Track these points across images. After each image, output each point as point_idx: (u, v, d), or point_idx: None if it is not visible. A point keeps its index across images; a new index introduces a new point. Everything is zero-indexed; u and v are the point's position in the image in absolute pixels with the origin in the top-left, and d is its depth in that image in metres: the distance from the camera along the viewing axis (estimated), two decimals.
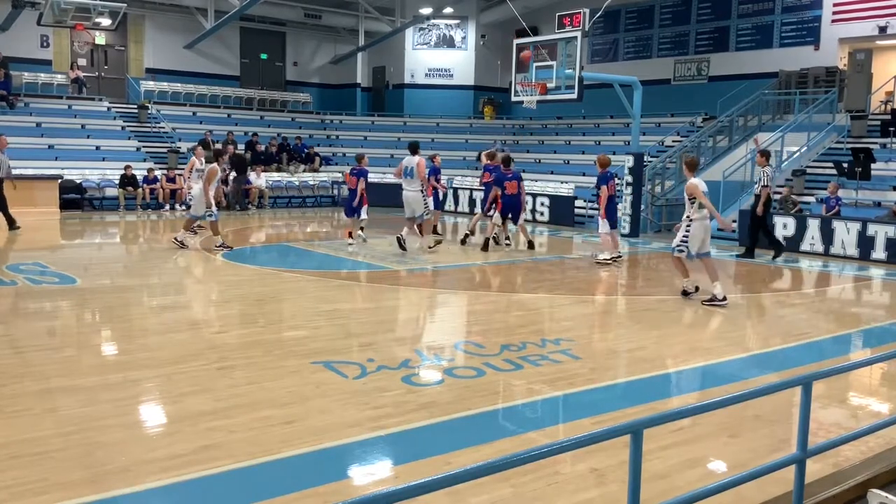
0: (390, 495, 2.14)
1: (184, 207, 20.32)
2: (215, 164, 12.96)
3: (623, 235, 16.92)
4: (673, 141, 21.38)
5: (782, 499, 3.82)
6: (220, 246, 12.65)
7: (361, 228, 14.05)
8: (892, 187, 14.97)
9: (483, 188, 14.97)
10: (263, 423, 4.83)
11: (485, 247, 13.55)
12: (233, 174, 20.89)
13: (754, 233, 13.81)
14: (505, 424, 5.19)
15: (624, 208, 17.22)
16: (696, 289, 9.65)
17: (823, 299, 10.78)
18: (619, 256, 12.84)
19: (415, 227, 13.43)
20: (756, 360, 6.98)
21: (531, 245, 13.93)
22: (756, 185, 13.89)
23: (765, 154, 13.42)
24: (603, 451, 4.14)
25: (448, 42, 29.27)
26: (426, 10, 27.73)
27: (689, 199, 9.24)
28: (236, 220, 18.25)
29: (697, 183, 9.19)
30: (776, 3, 21.93)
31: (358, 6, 27.97)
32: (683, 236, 9.30)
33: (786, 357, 7.15)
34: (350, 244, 13.54)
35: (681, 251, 9.37)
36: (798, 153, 17.77)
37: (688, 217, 9.26)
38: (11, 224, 14.51)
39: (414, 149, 13.35)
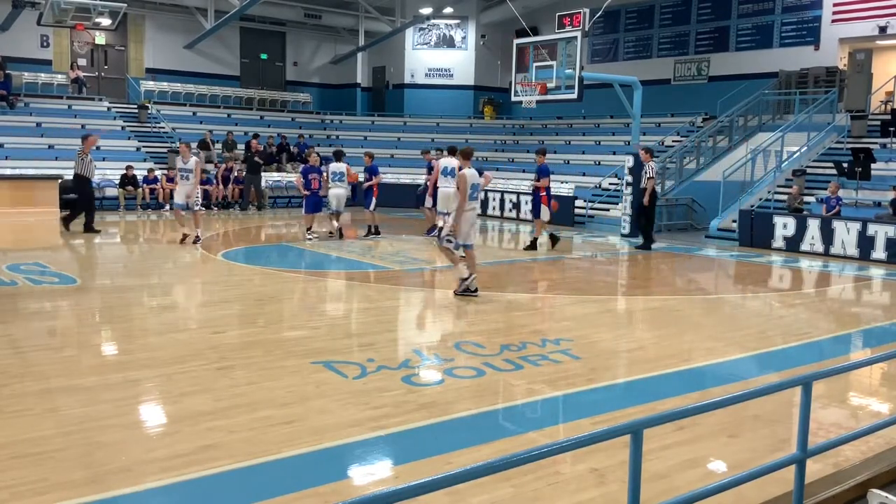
0: (390, 495, 2.14)
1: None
2: (198, 159, 13.52)
3: (623, 235, 16.94)
4: (673, 141, 21.39)
5: (782, 499, 3.82)
6: (191, 241, 13.09)
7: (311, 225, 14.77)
8: (892, 187, 14.96)
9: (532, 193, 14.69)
10: (263, 423, 4.83)
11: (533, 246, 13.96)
12: (235, 173, 20.93)
13: (649, 223, 14.81)
14: (505, 424, 5.19)
15: (624, 208, 17.23)
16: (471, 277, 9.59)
17: (823, 299, 10.78)
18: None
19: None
20: (756, 360, 6.98)
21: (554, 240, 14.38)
22: (643, 179, 14.76)
23: (648, 150, 14.72)
24: (603, 451, 4.14)
25: (448, 42, 29.27)
26: (426, 10, 27.73)
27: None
28: (237, 220, 18.26)
29: (466, 173, 9.26)
30: (776, 3, 21.93)
31: (358, 6, 27.98)
32: (451, 227, 9.40)
33: (786, 357, 7.15)
34: (309, 239, 14.31)
35: (449, 241, 9.44)
36: (798, 153, 17.77)
37: (462, 209, 9.34)
38: (90, 227, 14.87)
39: (453, 151, 14.22)
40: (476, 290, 9.34)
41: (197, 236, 13.40)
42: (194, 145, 22.03)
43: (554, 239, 14.31)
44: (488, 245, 15.40)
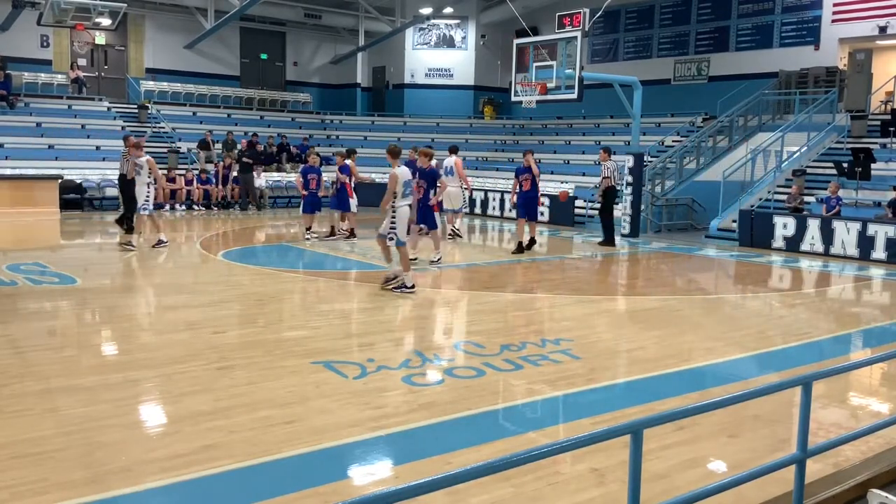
0: (390, 495, 2.14)
1: (183, 207, 20.36)
2: (150, 158, 12.92)
3: (623, 235, 16.95)
4: (673, 141, 21.38)
5: (782, 499, 3.82)
6: (127, 244, 12.75)
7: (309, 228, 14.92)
8: (892, 187, 14.96)
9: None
10: (263, 423, 4.83)
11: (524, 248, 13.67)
12: (234, 173, 20.92)
13: (607, 220, 15.24)
14: (505, 424, 5.19)
15: (624, 208, 17.24)
16: (395, 277, 9.70)
17: (823, 299, 10.78)
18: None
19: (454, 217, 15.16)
20: (756, 360, 6.98)
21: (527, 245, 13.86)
22: (600, 178, 15.31)
23: (606, 150, 15.15)
24: (603, 451, 4.14)
25: (448, 42, 29.27)
26: (426, 10, 27.73)
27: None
28: (237, 220, 18.26)
29: (397, 173, 9.36)
30: (776, 3, 21.93)
31: (358, 6, 27.98)
32: (391, 224, 9.48)
33: (786, 357, 7.15)
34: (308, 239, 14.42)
35: (391, 238, 9.53)
36: (798, 153, 17.76)
37: (392, 205, 9.43)
38: (130, 229, 14.74)
39: (453, 150, 15.30)
40: (413, 287, 9.47)
41: (160, 240, 12.87)
42: (197, 146, 22.10)
43: (528, 246, 13.78)
44: (488, 245, 15.40)
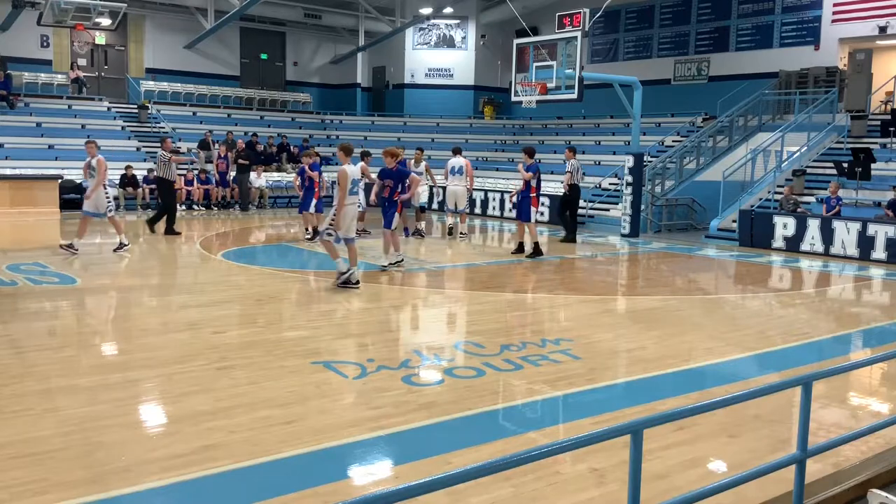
0: (390, 495, 2.14)
1: (183, 207, 20.34)
2: (103, 158, 12.28)
3: (623, 235, 16.96)
4: (673, 141, 21.38)
5: (782, 499, 3.82)
6: (67, 247, 11.88)
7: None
8: (892, 187, 14.95)
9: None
10: (263, 423, 4.83)
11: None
12: (232, 173, 20.92)
13: (570, 217, 15.77)
14: (505, 424, 5.19)
15: (624, 208, 17.25)
16: (350, 272, 9.74)
17: (823, 299, 10.78)
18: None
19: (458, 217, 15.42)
20: (756, 360, 6.98)
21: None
22: (565, 174, 15.88)
23: (572, 150, 15.72)
24: (603, 451, 4.14)
25: (448, 42, 29.27)
26: (426, 10, 27.73)
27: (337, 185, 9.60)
28: (237, 221, 18.25)
29: (346, 170, 9.48)
30: (776, 3, 21.93)
31: (358, 6, 27.98)
32: (331, 221, 9.57)
33: (786, 357, 7.15)
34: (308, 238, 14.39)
35: (329, 235, 9.61)
36: (798, 153, 17.77)
37: (341, 203, 9.52)
38: (171, 229, 14.80)
39: (458, 151, 15.88)
40: (357, 283, 9.56)
41: (121, 243, 12.31)
42: (197, 146, 22.08)
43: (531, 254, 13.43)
44: (488, 245, 15.41)
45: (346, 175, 9.44)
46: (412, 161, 15.29)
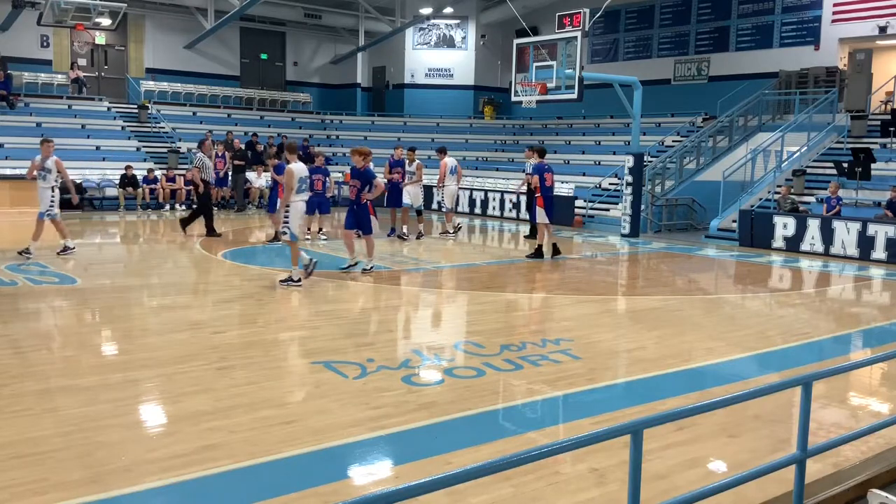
0: (390, 495, 2.14)
1: (183, 207, 20.33)
2: (58, 159, 11.73)
3: (623, 235, 16.96)
4: (673, 141, 21.38)
5: (782, 499, 3.82)
6: (24, 252, 11.29)
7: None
8: (891, 187, 14.96)
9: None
10: (263, 423, 4.83)
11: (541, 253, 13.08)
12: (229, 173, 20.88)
13: (532, 214, 15.39)
14: (505, 424, 5.19)
15: (624, 208, 17.25)
16: (312, 265, 9.88)
17: (823, 299, 10.78)
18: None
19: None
20: (756, 360, 6.98)
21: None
22: (524, 174, 16.05)
23: (532, 149, 15.23)
24: (603, 451, 4.14)
25: (448, 42, 29.27)
26: (426, 10, 27.73)
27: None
28: (236, 221, 18.25)
29: (292, 168, 9.56)
30: (776, 3, 21.93)
31: (358, 6, 27.98)
32: (285, 220, 9.68)
33: (786, 357, 7.15)
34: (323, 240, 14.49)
35: (284, 233, 9.80)
36: (798, 153, 17.77)
37: (288, 201, 9.61)
38: (212, 230, 14.65)
39: (444, 151, 15.84)
40: (300, 281, 9.63)
41: (65, 246, 11.58)
42: (197, 146, 22.03)
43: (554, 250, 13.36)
44: (488, 245, 15.41)
45: (292, 173, 9.54)
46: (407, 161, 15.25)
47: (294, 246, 9.71)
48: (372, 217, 10.86)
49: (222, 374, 5.90)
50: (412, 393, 5.55)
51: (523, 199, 19.69)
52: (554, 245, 13.11)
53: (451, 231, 15.63)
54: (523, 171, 15.92)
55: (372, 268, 10.93)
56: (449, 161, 15.54)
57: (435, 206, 19.84)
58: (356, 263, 10.94)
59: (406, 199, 15.05)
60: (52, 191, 11.62)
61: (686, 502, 3.07)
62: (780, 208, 15.67)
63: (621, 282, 11.85)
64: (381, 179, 11.28)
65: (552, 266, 12.55)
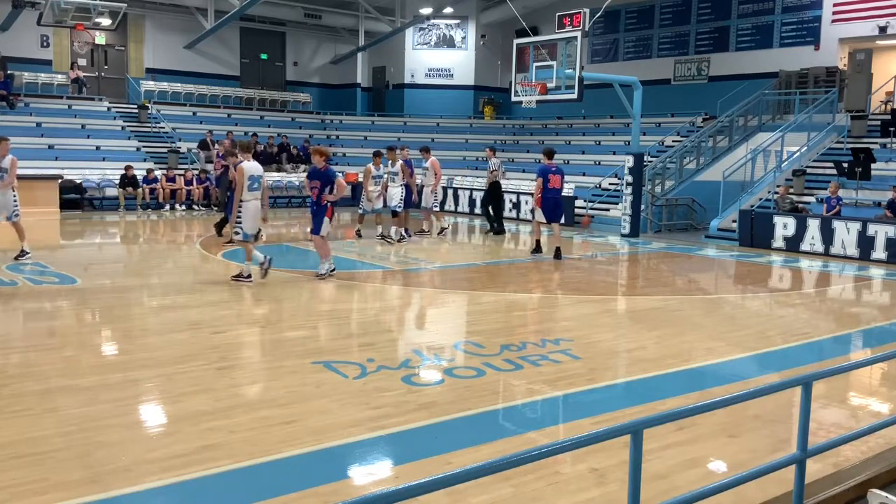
0: (390, 495, 2.14)
1: (183, 207, 20.32)
2: (15, 158, 11.19)
3: (623, 235, 16.96)
4: (673, 141, 21.38)
5: (782, 499, 3.82)
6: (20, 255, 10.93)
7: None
8: (891, 187, 14.95)
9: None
10: (263, 423, 4.83)
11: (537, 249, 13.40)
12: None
13: (495, 211, 16.57)
14: (505, 424, 5.19)
15: (624, 208, 17.25)
16: (267, 263, 9.85)
17: (823, 299, 10.78)
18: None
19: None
20: (756, 360, 6.98)
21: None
22: (488, 172, 16.72)
23: (492, 149, 16.74)
24: (603, 451, 4.14)
25: (448, 42, 29.27)
26: (426, 10, 27.73)
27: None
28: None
29: (244, 166, 9.60)
30: (776, 3, 21.92)
31: (358, 6, 27.97)
32: (237, 219, 9.71)
33: (786, 357, 7.15)
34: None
35: (237, 233, 9.81)
36: (798, 153, 17.77)
37: (240, 200, 9.63)
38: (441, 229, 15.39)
39: (428, 150, 16.19)
40: (250, 276, 9.70)
41: (23, 250, 10.94)
42: (197, 146, 22.08)
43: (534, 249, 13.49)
44: (488, 245, 15.40)
45: (243, 172, 9.58)
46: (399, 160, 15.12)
47: (247, 245, 9.79)
48: (326, 219, 10.22)
49: (222, 374, 5.90)
50: (412, 393, 5.55)
51: (524, 198, 19.80)
52: (537, 242, 13.47)
53: (436, 232, 15.74)
54: (490, 170, 16.44)
55: (333, 272, 10.41)
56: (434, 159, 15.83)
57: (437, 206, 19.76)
58: (334, 269, 10.50)
59: (380, 202, 14.81)
60: (13, 190, 11.18)
61: (686, 502, 3.07)
62: (778, 208, 15.67)
63: (621, 282, 11.85)
64: (342, 180, 10.84)
65: (552, 266, 12.55)
